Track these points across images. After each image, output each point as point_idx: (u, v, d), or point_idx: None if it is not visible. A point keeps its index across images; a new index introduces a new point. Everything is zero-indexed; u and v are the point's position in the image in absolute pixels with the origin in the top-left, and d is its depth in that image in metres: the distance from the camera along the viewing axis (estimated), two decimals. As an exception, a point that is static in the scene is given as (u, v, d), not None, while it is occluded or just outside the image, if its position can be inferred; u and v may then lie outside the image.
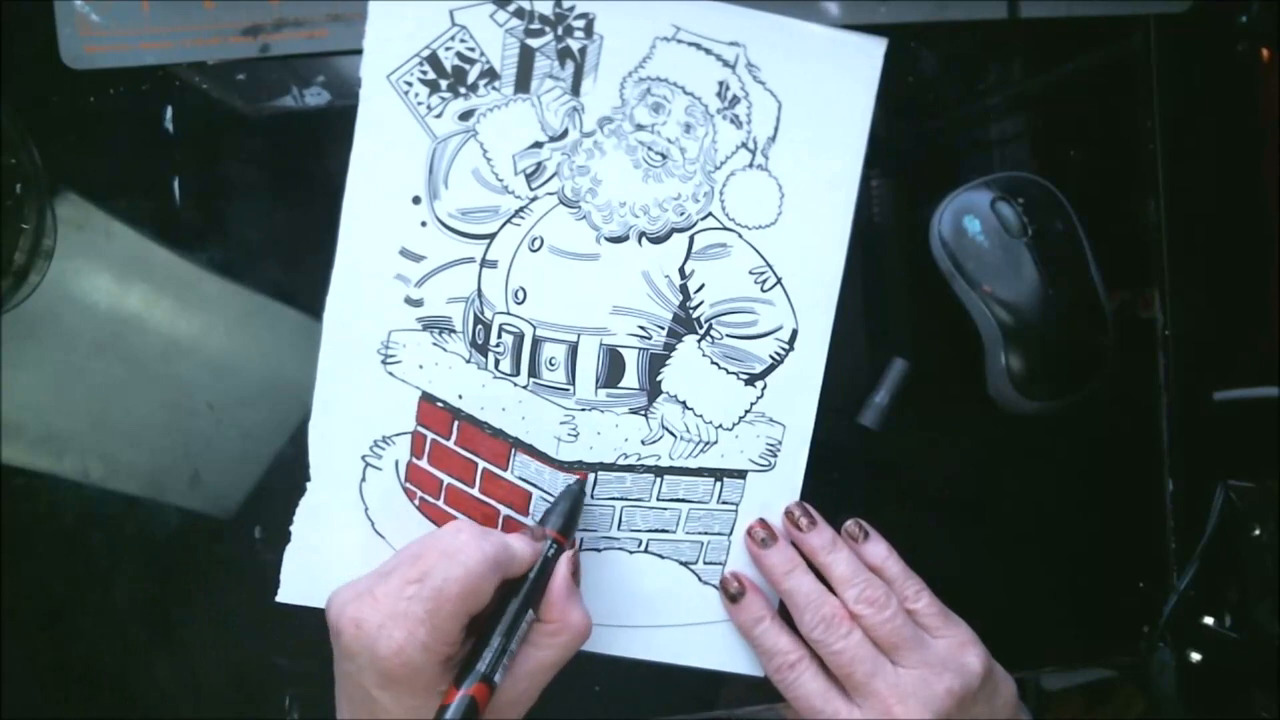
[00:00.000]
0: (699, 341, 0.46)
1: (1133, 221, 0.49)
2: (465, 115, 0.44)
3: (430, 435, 0.46)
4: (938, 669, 0.42)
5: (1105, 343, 0.47)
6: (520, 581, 0.39)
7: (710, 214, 0.45)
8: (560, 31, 0.44)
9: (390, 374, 0.45)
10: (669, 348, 0.46)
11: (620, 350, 0.45)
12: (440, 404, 0.45)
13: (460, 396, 0.45)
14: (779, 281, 0.46)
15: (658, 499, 0.46)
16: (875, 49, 0.45)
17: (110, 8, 0.45)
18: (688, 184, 0.45)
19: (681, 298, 0.46)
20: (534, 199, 0.45)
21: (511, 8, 0.44)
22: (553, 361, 0.45)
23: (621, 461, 0.46)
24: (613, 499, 0.46)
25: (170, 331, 0.47)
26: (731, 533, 0.47)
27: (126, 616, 0.47)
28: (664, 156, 0.45)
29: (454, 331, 0.45)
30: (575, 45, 0.44)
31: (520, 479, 0.46)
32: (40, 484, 0.47)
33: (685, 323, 0.46)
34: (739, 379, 0.46)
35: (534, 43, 0.44)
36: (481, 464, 0.45)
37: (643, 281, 0.45)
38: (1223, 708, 0.51)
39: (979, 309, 0.46)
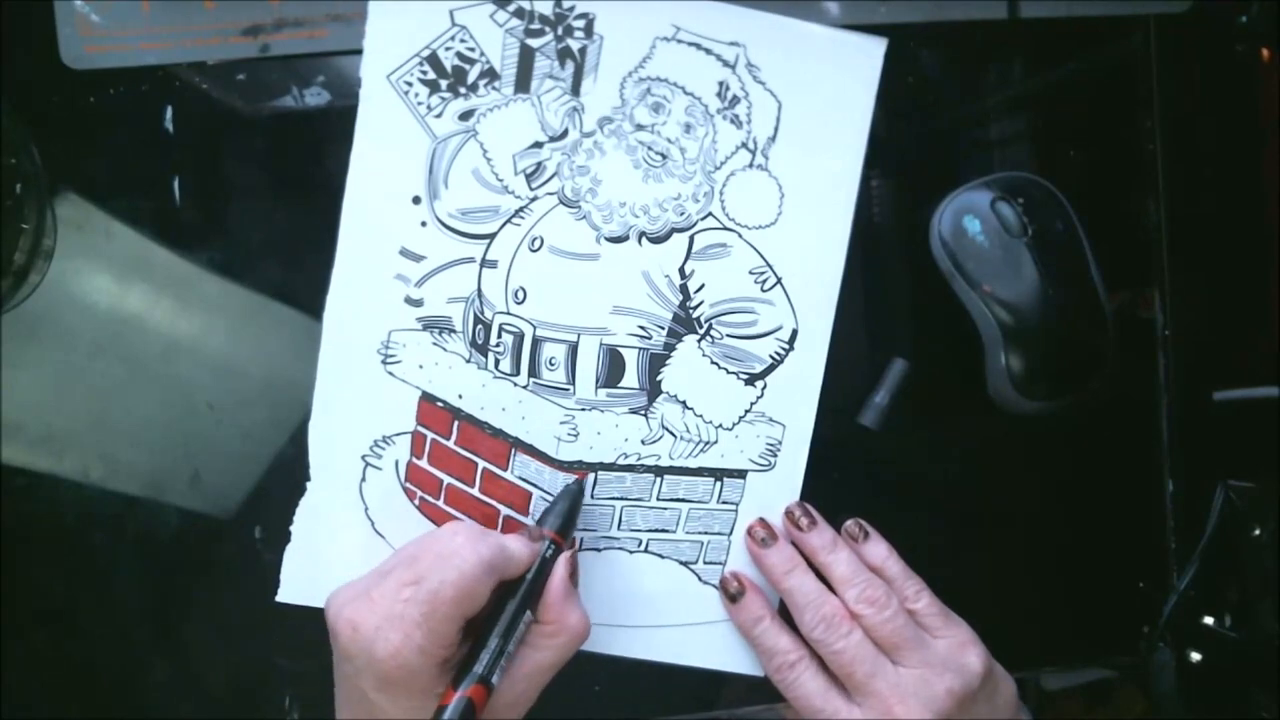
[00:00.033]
0: (699, 341, 0.46)
1: (1133, 221, 0.49)
2: (465, 115, 0.44)
3: (430, 435, 0.46)
4: (938, 669, 0.42)
5: (1105, 343, 0.47)
6: (518, 582, 0.39)
7: (710, 214, 0.45)
8: (560, 31, 0.44)
9: (390, 374, 0.45)
10: (669, 348, 0.46)
11: (620, 350, 0.45)
12: (440, 404, 0.45)
13: (460, 396, 0.45)
14: (779, 281, 0.46)
15: (658, 499, 0.46)
16: (875, 49, 0.45)
17: (110, 8, 0.45)
18: (688, 184, 0.45)
19: (681, 298, 0.46)
20: (534, 199, 0.45)
21: (511, 8, 0.44)
22: (553, 361, 0.45)
23: (621, 461, 0.46)
24: (613, 499, 0.46)
25: (170, 331, 0.47)
26: (731, 533, 0.47)
27: (126, 616, 0.47)
28: (664, 156, 0.45)
29: (454, 331, 0.45)
30: (575, 45, 0.44)
31: (520, 479, 0.46)
32: (40, 484, 0.47)
33: (685, 323, 0.46)
34: (739, 379, 0.46)
35: (534, 43, 0.44)
36: (481, 464, 0.45)
37: (643, 281, 0.45)
38: (1223, 708, 0.51)
39: (979, 309, 0.46)
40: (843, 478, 0.47)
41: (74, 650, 0.47)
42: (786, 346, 0.46)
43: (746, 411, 0.46)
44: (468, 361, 0.45)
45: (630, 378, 0.46)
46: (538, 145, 0.45)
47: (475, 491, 0.46)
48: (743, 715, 0.49)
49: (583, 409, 0.46)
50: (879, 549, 0.45)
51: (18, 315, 0.46)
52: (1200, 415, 0.50)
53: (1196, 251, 0.49)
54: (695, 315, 0.46)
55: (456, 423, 0.45)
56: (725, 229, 0.45)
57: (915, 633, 0.43)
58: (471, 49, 0.44)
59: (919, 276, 0.48)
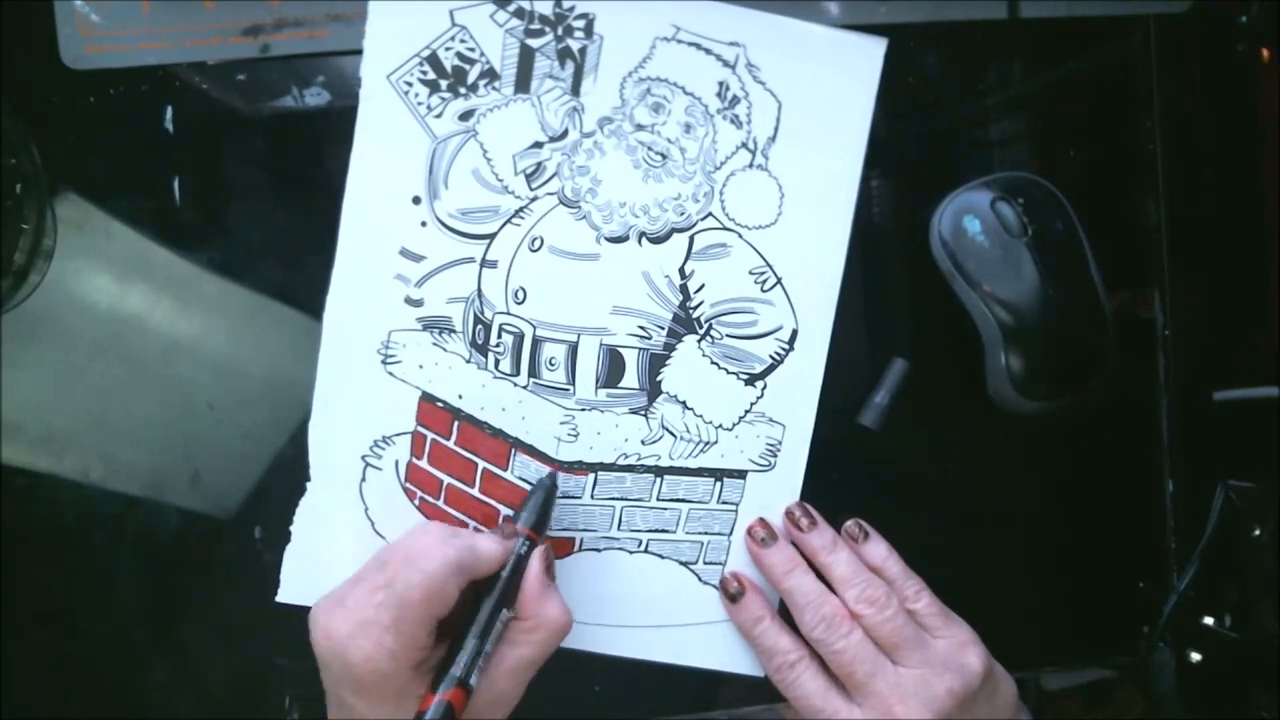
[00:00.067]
0: (699, 341, 0.46)
1: (1133, 221, 0.49)
2: (465, 115, 0.44)
3: (430, 435, 0.46)
4: (938, 669, 0.42)
5: (1105, 343, 0.47)
6: (493, 580, 0.39)
7: (710, 214, 0.45)
8: (560, 31, 0.44)
9: (390, 374, 0.45)
10: (669, 348, 0.46)
11: (620, 350, 0.45)
12: (440, 404, 0.45)
13: (460, 396, 0.45)
14: (779, 281, 0.46)
15: (658, 499, 0.46)
16: (875, 49, 0.45)
17: (110, 8, 0.45)
18: (688, 184, 0.45)
19: (681, 298, 0.46)
20: (534, 199, 0.45)
21: (511, 8, 0.44)
22: (553, 361, 0.45)
23: (621, 461, 0.46)
24: (613, 499, 0.46)
25: (170, 331, 0.47)
26: (731, 533, 0.47)
27: (126, 616, 0.47)
28: (664, 156, 0.45)
29: (454, 331, 0.45)
30: (575, 45, 0.44)
31: (520, 479, 0.46)
32: (40, 484, 0.47)
33: (685, 323, 0.46)
34: (739, 379, 0.46)
35: (534, 43, 0.44)
36: (481, 464, 0.45)
37: (643, 281, 0.45)
38: (1223, 708, 0.51)
39: (979, 309, 0.46)
40: (843, 478, 0.47)
41: (74, 650, 0.47)
42: (786, 346, 0.46)
43: (746, 412, 0.46)
44: (468, 362, 0.45)
45: (630, 378, 0.46)
46: (538, 145, 0.45)
47: (475, 492, 0.46)
48: (743, 715, 0.49)
49: (583, 409, 0.46)
50: (879, 549, 0.45)
51: (18, 315, 0.46)
52: (1200, 415, 0.50)
53: (1196, 251, 0.49)
54: (695, 315, 0.46)
55: (456, 423, 0.45)
56: (725, 229, 0.45)
57: (915, 633, 0.43)
58: (471, 49, 0.44)
59: (919, 276, 0.48)
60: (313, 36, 0.45)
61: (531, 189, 0.45)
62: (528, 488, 0.46)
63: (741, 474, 0.47)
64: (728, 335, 0.46)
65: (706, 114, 0.45)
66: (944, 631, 0.43)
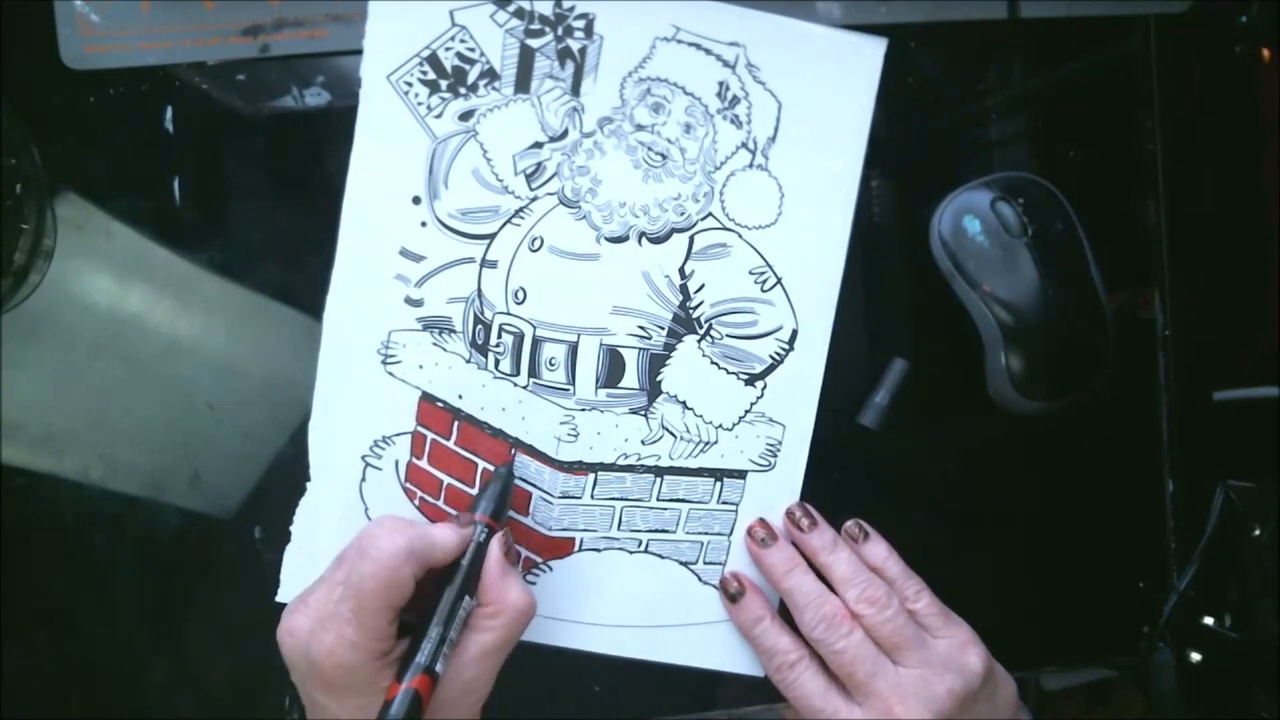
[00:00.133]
0: (699, 341, 0.46)
1: (1133, 221, 0.49)
2: (465, 115, 0.44)
3: (430, 435, 0.46)
4: (939, 669, 0.42)
5: (1105, 343, 0.47)
6: (454, 569, 0.39)
7: (710, 214, 0.45)
8: (560, 32, 0.44)
9: (390, 374, 0.45)
10: (669, 348, 0.46)
11: (620, 350, 0.45)
12: (440, 404, 0.45)
13: (460, 396, 0.45)
14: (779, 281, 0.46)
15: (658, 499, 0.46)
16: (875, 49, 0.45)
17: (110, 8, 0.45)
18: (688, 184, 0.45)
19: (681, 298, 0.46)
20: (534, 199, 0.45)
21: (511, 8, 0.44)
22: (553, 361, 0.45)
23: (621, 461, 0.46)
24: (613, 499, 0.46)
25: (170, 331, 0.47)
26: (731, 533, 0.47)
27: (126, 616, 0.47)
28: (664, 156, 0.45)
29: (454, 331, 0.45)
30: (575, 45, 0.44)
31: (520, 479, 0.46)
32: (40, 484, 0.47)
33: (685, 323, 0.46)
34: (739, 379, 0.46)
35: (534, 43, 0.44)
36: (481, 464, 0.45)
37: (643, 281, 0.45)
38: (1223, 708, 0.51)
39: (979, 309, 0.46)
40: (843, 478, 0.47)
41: (74, 650, 0.47)
42: (786, 347, 0.46)
43: (746, 412, 0.46)
44: (468, 362, 0.45)
45: (630, 378, 0.46)
46: (538, 145, 0.45)
47: (475, 492, 0.46)
48: (742, 715, 0.49)
49: (583, 409, 0.46)
50: (879, 549, 0.45)
51: (18, 315, 0.46)
52: (1200, 415, 0.50)
53: (1196, 251, 0.49)
54: (695, 315, 0.46)
55: (456, 423, 0.45)
56: (725, 229, 0.45)
57: (916, 633, 0.43)
58: (471, 49, 0.44)
59: (919, 276, 0.48)
60: (313, 36, 0.45)
61: (531, 189, 0.45)
62: (528, 488, 0.46)
63: (741, 474, 0.47)
64: (728, 335, 0.46)
65: (706, 114, 0.45)
66: (944, 631, 0.43)
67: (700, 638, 0.47)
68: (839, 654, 0.42)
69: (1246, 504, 0.50)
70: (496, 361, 0.45)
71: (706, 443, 0.46)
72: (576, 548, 0.46)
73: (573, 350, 0.45)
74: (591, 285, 0.45)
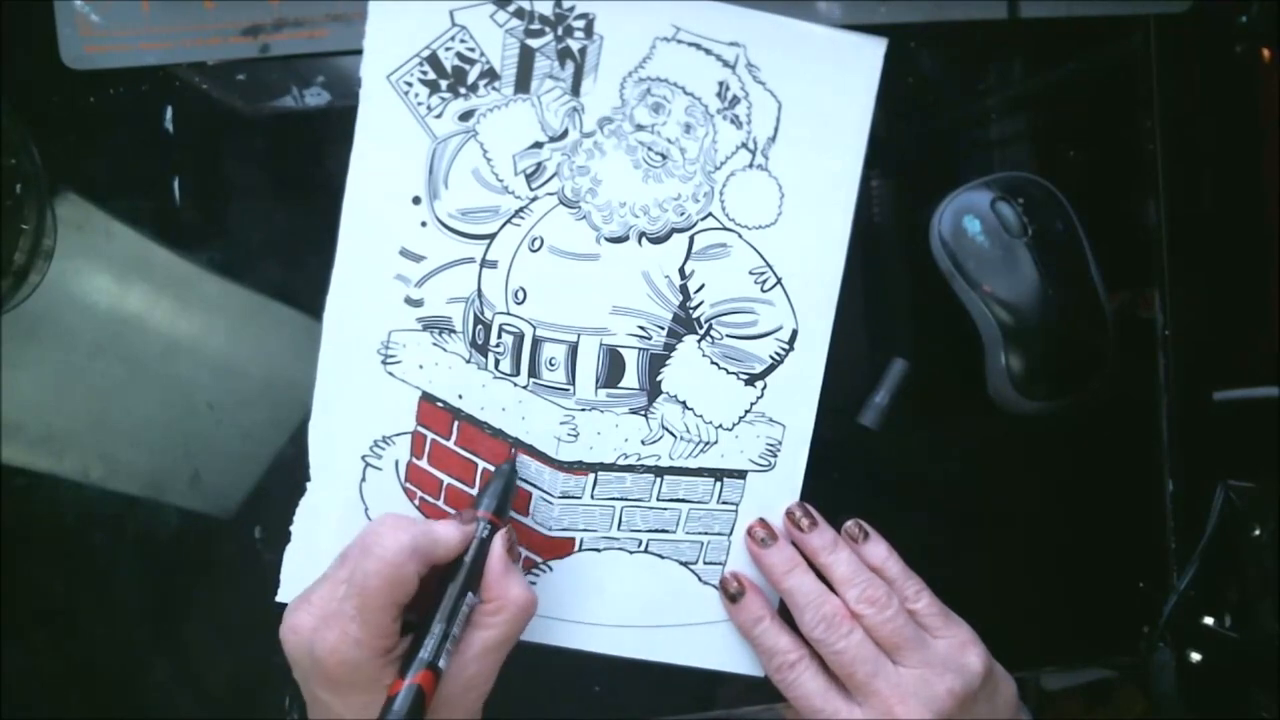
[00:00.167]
0: (699, 341, 0.46)
1: (1133, 221, 0.49)
2: (465, 115, 0.44)
3: (430, 435, 0.46)
4: (939, 669, 0.42)
5: (1105, 343, 0.47)
6: (457, 565, 0.39)
7: (710, 214, 0.45)
8: (560, 32, 0.44)
9: (390, 374, 0.45)
10: (669, 348, 0.46)
11: (620, 350, 0.45)
12: (440, 404, 0.45)
13: (460, 396, 0.45)
14: (779, 281, 0.46)
15: (658, 499, 0.46)
16: (875, 49, 0.45)
17: (110, 8, 0.45)
18: (688, 184, 0.45)
19: (681, 298, 0.46)
20: (534, 199, 0.45)
21: (511, 8, 0.44)
22: (553, 361, 0.45)
23: (621, 461, 0.46)
24: (613, 499, 0.46)
25: (170, 331, 0.47)
26: (731, 533, 0.47)
27: (126, 616, 0.47)
28: (664, 156, 0.45)
29: (454, 331, 0.45)
30: (575, 45, 0.44)
31: (520, 479, 0.46)
32: (40, 484, 0.47)
33: (685, 323, 0.46)
34: (739, 379, 0.46)
35: (534, 43, 0.44)
36: (481, 464, 0.45)
37: (643, 281, 0.45)
38: (1223, 708, 0.51)
39: (979, 309, 0.46)
40: (843, 478, 0.47)
41: (74, 650, 0.47)
42: (786, 347, 0.46)
43: (746, 412, 0.46)
44: (468, 362, 0.45)
45: (630, 378, 0.46)
46: (538, 145, 0.45)
47: (475, 492, 0.46)
48: (742, 715, 0.49)
49: (583, 409, 0.46)
50: (879, 549, 0.45)
51: (18, 315, 0.46)
52: (1200, 415, 0.50)
53: (1196, 251, 0.49)
54: (695, 315, 0.46)
55: (456, 423, 0.45)
56: (725, 229, 0.45)
57: (916, 633, 0.43)
58: (471, 49, 0.44)
59: (919, 276, 0.48)
60: (313, 36, 0.45)
61: (531, 189, 0.45)
62: (528, 488, 0.46)
63: (741, 474, 0.47)
64: (728, 335, 0.46)
65: (706, 114, 0.45)
66: (944, 631, 0.43)
67: (700, 638, 0.47)
68: (839, 654, 0.42)
69: (1246, 504, 0.50)
70: (496, 361, 0.45)
71: (706, 443, 0.46)
72: (576, 548, 0.46)
73: (573, 350, 0.45)
74: (591, 285, 0.45)
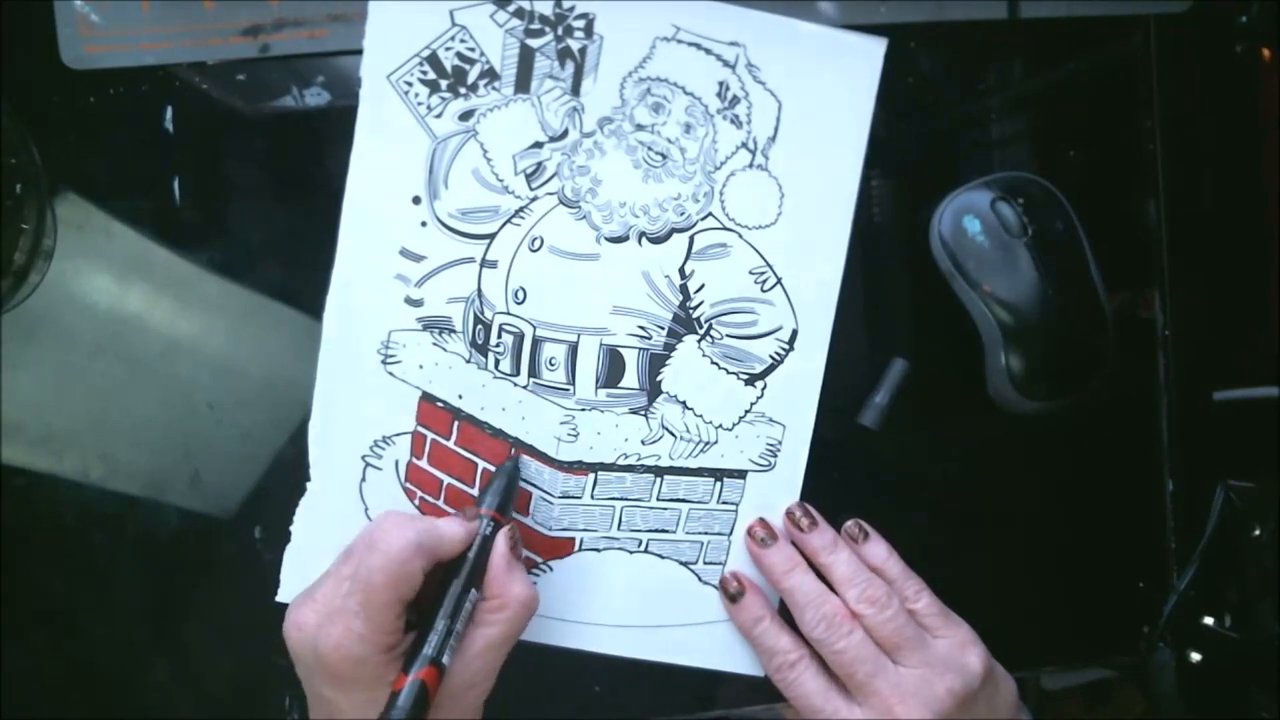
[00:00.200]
0: (699, 341, 0.46)
1: (1133, 221, 0.49)
2: (465, 115, 0.44)
3: (430, 435, 0.46)
4: (939, 669, 0.42)
5: (1105, 343, 0.47)
6: (460, 562, 0.39)
7: (710, 214, 0.45)
8: (560, 31, 0.44)
9: (390, 374, 0.45)
10: (669, 348, 0.46)
11: (620, 350, 0.45)
12: (440, 404, 0.45)
13: (460, 396, 0.45)
14: (779, 281, 0.46)
15: (658, 499, 0.46)
16: (875, 49, 0.45)
17: (110, 8, 0.45)
18: (688, 184, 0.45)
19: (681, 298, 0.46)
20: (534, 199, 0.45)
21: (511, 8, 0.44)
22: (553, 361, 0.45)
23: (621, 461, 0.46)
24: (613, 499, 0.46)
25: (170, 331, 0.47)
26: (731, 533, 0.47)
27: (126, 616, 0.47)
28: (664, 156, 0.45)
29: (454, 331, 0.45)
30: (575, 45, 0.44)
31: (520, 479, 0.46)
32: (40, 484, 0.47)
33: (685, 323, 0.46)
34: (739, 379, 0.46)
35: (534, 43, 0.44)
36: (481, 464, 0.45)
37: (643, 281, 0.45)
38: (1223, 708, 0.51)
39: (979, 309, 0.46)
40: (843, 478, 0.47)
41: (74, 650, 0.47)
42: (786, 346, 0.46)
43: (746, 412, 0.46)
44: (468, 362, 0.45)
45: (630, 378, 0.46)
46: (538, 145, 0.45)
47: (475, 492, 0.46)
48: (742, 715, 0.49)
49: (583, 409, 0.46)
50: (879, 549, 0.45)
51: (18, 315, 0.46)
52: (1200, 415, 0.50)
53: (1196, 251, 0.49)
54: (695, 315, 0.46)
55: (456, 423, 0.45)
56: (725, 229, 0.45)
57: (916, 633, 0.43)
58: (471, 49, 0.44)
59: (919, 276, 0.48)
60: (313, 36, 0.45)
61: (531, 189, 0.45)
62: (528, 488, 0.46)
63: (741, 474, 0.47)
64: (728, 335, 0.46)
65: (706, 114, 0.45)
66: (944, 631, 0.43)
67: (700, 638, 0.47)
68: (839, 654, 0.42)
69: (1246, 504, 0.50)
70: (496, 361, 0.45)
71: (706, 443, 0.46)
72: (576, 548, 0.46)
73: (573, 350, 0.45)
74: (591, 285, 0.45)
